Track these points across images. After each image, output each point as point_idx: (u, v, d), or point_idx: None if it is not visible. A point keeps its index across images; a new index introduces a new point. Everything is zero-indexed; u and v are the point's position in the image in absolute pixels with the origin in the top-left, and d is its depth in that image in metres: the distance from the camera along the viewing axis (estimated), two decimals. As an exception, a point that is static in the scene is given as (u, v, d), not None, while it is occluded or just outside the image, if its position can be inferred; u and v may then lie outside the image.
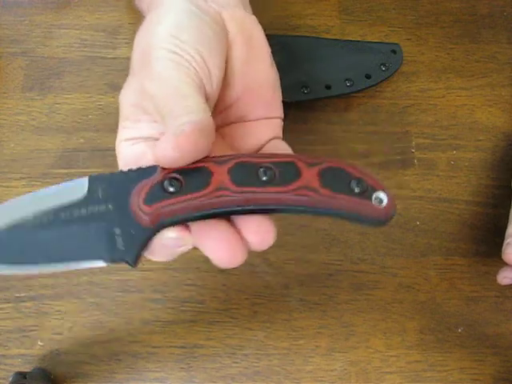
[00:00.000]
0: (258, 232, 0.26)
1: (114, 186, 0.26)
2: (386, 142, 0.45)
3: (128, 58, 0.30)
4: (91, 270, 0.40)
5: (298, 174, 0.26)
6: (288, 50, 0.45)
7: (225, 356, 0.38)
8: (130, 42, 0.47)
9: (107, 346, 0.38)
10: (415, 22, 0.50)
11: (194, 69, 0.27)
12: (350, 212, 0.26)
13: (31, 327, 0.38)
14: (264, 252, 0.40)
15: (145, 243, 0.26)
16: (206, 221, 0.26)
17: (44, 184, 0.42)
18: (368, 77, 0.45)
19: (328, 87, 0.44)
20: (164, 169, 0.26)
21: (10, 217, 0.26)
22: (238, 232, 0.26)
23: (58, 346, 0.38)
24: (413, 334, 0.40)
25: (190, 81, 0.27)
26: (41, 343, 0.38)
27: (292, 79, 0.44)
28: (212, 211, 0.25)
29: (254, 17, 0.32)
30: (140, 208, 0.25)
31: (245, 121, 0.32)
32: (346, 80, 0.44)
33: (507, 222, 0.39)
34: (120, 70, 0.46)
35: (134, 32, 0.30)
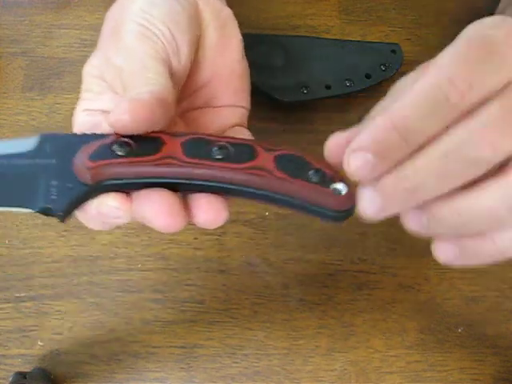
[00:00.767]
0: (209, 210, 0.25)
1: (63, 145, 0.26)
2: (386, 142, 0.45)
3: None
4: (91, 270, 0.40)
5: (253, 155, 0.25)
6: (288, 50, 0.45)
7: (225, 356, 0.38)
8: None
9: (107, 346, 0.38)
10: (415, 22, 0.50)
11: (162, 43, 0.28)
12: (306, 198, 0.25)
13: (31, 327, 0.38)
14: (264, 252, 0.41)
15: (80, 199, 0.25)
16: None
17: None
18: (368, 77, 0.45)
19: (328, 87, 0.44)
20: (118, 134, 0.25)
21: None
22: (186, 207, 0.25)
23: (58, 345, 0.38)
24: (413, 334, 0.40)
25: (155, 54, 0.27)
26: (41, 343, 0.38)
27: (292, 79, 0.44)
28: (157, 180, 0.25)
29: (230, 10, 0.32)
30: (83, 163, 0.25)
31: (211, 106, 0.32)
32: (346, 80, 0.44)
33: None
34: (120, 70, 0.46)
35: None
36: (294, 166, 0.25)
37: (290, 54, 0.45)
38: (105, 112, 0.28)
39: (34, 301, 0.39)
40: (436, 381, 0.39)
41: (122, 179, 0.25)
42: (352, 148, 0.22)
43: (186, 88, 0.31)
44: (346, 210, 0.25)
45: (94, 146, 0.25)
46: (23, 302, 0.39)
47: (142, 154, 0.25)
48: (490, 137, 0.21)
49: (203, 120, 0.31)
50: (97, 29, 0.48)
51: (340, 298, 0.40)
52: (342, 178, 0.25)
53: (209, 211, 0.25)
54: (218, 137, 0.26)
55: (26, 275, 0.40)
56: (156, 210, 0.24)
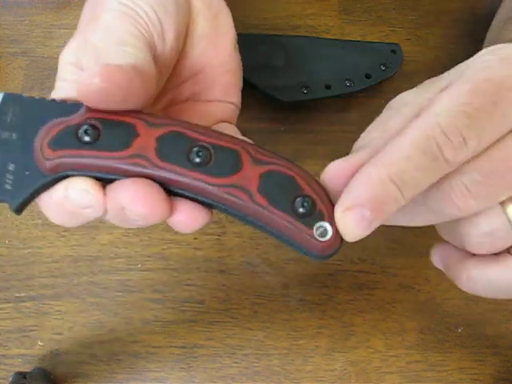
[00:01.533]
0: (187, 218, 0.23)
1: (27, 113, 0.23)
2: (386, 142, 0.45)
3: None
4: (91, 270, 0.40)
5: (236, 167, 0.22)
6: (288, 50, 0.45)
7: (225, 356, 0.38)
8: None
9: (107, 346, 0.38)
10: (415, 22, 0.50)
11: (146, 24, 0.25)
12: (285, 236, 0.22)
13: (31, 327, 0.38)
14: (264, 252, 0.41)
15: (37, 190, 0.22)
16: None
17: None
18: (368, 77, 0.45)
19: (328, 87, 0.44)
20: (88, 111, 0.22)
21: None
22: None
23: (58, 345, 0.38)
24: (413, 334, 0.40)
25: (135, 32, 0.25)
26: (41, 343, 0.38)
27: (292, 79, 0.44)
28: (126, 177, 0.22)
29: (223, 1, 0.30)
30: (42, 150, 0.22)
31: (198, 100, 0.30)
32: (346, 80, 0.44)
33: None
34: (120, 70, 0.46)
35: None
36: (280, 190, 0.22)
37: (290, 53, 0.45)
38: None
39: (34, 301, 0.39)
40: (436, 381, 0.39)
41: (85, 171, 0.22)
42: (346, 206, 0.21)
43: (171, 78, 0.29)
44: (328, 255, 0.22)
45: (58, 126, 0.22)
46: (23, 302, 0.39)
47: (110, 147, 0.22)
48: (463, 199, 0.22)
49: (188, 114, 0.29)
50: (97, 29, 0.49)
51: (340, 298, 0.40)
52: (331, 218, 0.22)
53: (186, 220, 0.23)
54: (204, 131, 0.23)
55: (25, 275, 0.40)
56: (132, 194, 0.22)
